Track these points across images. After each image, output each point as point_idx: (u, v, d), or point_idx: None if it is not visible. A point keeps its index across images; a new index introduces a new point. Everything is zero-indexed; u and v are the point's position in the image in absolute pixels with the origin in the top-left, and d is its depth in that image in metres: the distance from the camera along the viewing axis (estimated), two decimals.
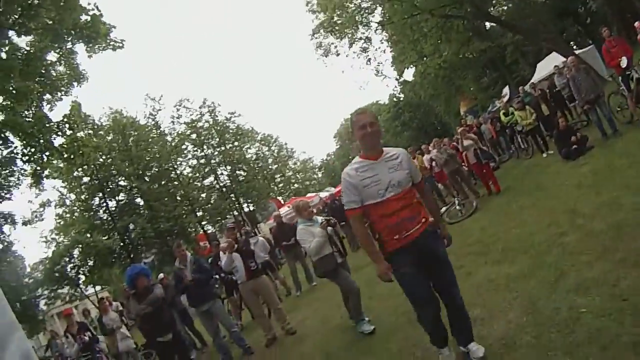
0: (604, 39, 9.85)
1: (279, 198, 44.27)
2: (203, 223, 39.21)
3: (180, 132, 40.62)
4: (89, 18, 15.66)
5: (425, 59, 30.38)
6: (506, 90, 29.51)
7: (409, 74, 43.00)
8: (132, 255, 32.72)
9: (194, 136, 41.25)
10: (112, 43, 16.63)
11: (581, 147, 9.82)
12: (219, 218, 39.77)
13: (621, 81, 9.57)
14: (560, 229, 5.65)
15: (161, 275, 10.42)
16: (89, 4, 15.59)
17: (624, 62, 9.25)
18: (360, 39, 24.91)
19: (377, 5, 23.86)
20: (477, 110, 34.30)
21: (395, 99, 58.01)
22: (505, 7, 33.69)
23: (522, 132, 13.34)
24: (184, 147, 40.65)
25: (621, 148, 8.46)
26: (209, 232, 37.13)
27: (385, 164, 3.15)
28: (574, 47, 25.24)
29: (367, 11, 24.06)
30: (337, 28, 23.77)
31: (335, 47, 25.01)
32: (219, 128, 43.11)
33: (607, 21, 24.82)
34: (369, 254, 3.29)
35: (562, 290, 3.98)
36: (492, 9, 30.43)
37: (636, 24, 10.19)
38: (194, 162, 41.53)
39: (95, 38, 15.97)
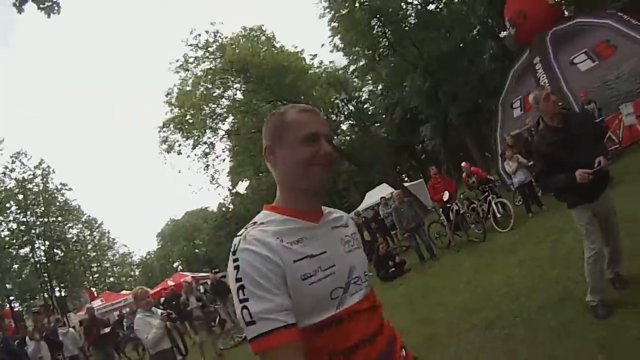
0: (431, 176, 11.43)
1: (93, 289, 42.41)
2: (11, 298, 36.31)
3: (8, 188, 38.19)
4: None
5: (261, 174, 31.59)
6: None
7: (242, 187, 44.43)
8: None
9: (20, 197, 38.94)
10: None
11: (399, 270, 10.61)
12: (29, 296, 37.59)
13: (442, 212, 11.07)
14: None
15: None
16: None
17: (445, 197, 10.72)
18: (205, 143, 25.67)
19: (230, 114, 25.36)
20: None
21: (224, 209, 58.83)
22: (348, 137, 37.62)
23: None
24: (7, 205, 38.00)
25: (436, 270, 9.23)
26: (15, 309, 34.71)
27: (333, 232, 1.51)
28: (406, 179, 28.56)
29: (219, 118, 25.31)
30: (186, 127, 24.45)
31: (180, 145, 25.31)
32: (47, 196, 41.13)
33: (439, 159, 28.70)
34: None
35: None
36: (335, 137, 33.55)
37: (463, 164, 12.05)
38: (14, 225, 38.93)
39: None
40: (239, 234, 1.39)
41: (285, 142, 1.45)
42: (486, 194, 10.52)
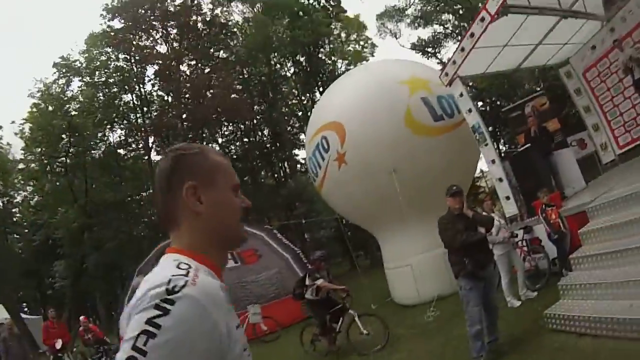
0: (47, 318, 11.55)
1: None
2: None
3: None
4: None
5: None
6: None
7: None
8: None
9: None
10: None
11: None
12: None
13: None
14: None
15: None
16: None
17: (58, 345, 11.09)
18: None
19: None
20: None
21: None
22: None
23: None
24: None
25: None
26: None
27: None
28: (27, 309, 27.05)
29: None
30: None
31: None
32: None
33: (64, 302, 27.17)
34: None
35: None
36: None
37: (81, 318, 12.07)
38: None
39: None
40: (177, 273, 1.01)
41: (218, 185, 1.23)
42: (100, 354, 10.81)
